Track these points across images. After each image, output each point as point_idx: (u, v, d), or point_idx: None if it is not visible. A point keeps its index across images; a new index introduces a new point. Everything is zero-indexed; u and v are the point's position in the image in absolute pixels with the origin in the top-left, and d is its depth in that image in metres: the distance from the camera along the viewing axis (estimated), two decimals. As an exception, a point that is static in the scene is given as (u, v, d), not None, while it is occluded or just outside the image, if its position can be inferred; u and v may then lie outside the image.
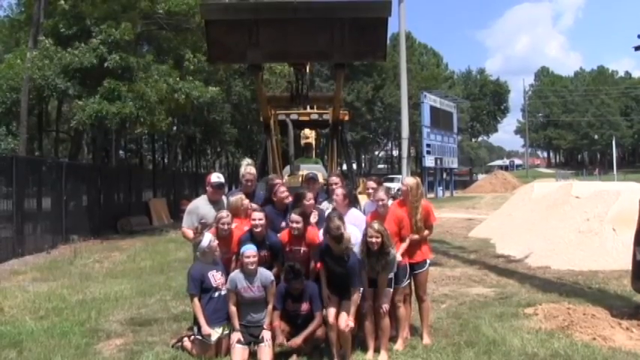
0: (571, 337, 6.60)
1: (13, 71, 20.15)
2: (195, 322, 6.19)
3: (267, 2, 8.04)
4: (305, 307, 6.07)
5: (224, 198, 7.06)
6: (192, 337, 6.23)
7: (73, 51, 18.76)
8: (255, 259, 6.02)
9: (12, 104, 21.56)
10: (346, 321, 5.91)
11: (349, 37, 7.64)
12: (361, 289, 6.04)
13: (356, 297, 5.98)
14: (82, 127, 21.38)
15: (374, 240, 5.93)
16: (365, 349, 6.24)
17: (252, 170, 7.45)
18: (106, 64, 18.73)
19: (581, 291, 9.10)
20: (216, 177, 7.07)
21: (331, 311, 6.04)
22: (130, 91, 18.92)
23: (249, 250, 6.01)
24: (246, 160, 8.12)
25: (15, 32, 25.66)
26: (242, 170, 7.44)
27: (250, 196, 7.10)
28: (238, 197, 6.81)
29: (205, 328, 5.89)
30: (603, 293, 8.92)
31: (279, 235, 6.52)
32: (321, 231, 6.31)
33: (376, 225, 6.02)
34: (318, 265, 6.22)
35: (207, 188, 7.05)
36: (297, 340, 5.98)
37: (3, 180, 14.80)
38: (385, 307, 6.20)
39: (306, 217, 6.40)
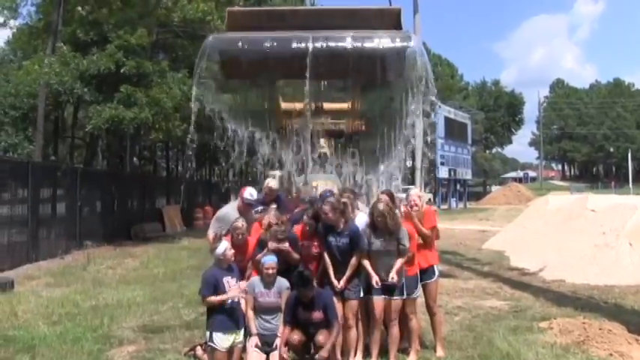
0: (587, 352, 6.50)
1: (30, 77, 20.37)
2: (208, 329, 6.19)
3: (283, 50, 8.13)
4: (317, 315, 6.04)
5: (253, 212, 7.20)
6: (205, 345, 6.22)
7: (91, 57, 18.96)
8: (274, 270, 6.15)
9: (29, 110, 21.79)
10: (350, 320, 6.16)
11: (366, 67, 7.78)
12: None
13: (354, 261, 6.22)
14: (97, 132, 21.55)
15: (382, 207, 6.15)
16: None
17: (272, 184, 7.65)
18: (122, 70, 18.89)
19: (597, 305, 9.00)
20: (249, 194, 7.13)
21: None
22: (147, 97, 19.06)
23: (270, 262, 6.14)
24: (270, 176, 8.22)
25: (33, 39, 25.95)
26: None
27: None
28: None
29: (232, 294, 5.90)
30: (619, 308, 8.82)
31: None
32: None
33: (381, 205, 6.16)
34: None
35: (239, 201, 7.17)
36: (324, 354, 5.89)
37: (19, 185, 14.93)
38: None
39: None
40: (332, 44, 8.00)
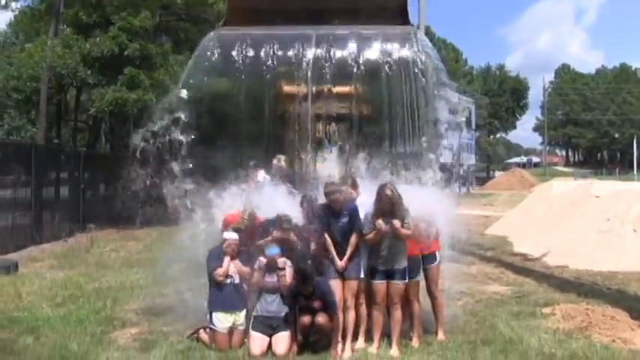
0: (590, 338, 6.50)
1: (33, 60, 20.29)
2: (209, 309, 6.26)
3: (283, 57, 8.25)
4: (317, 304, 6.06)
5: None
6: (207, 328, 6.26)
7: (94, 39, 18.90)
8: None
9: (32, 93, 21.73)
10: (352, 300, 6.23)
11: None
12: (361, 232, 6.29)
13: (354, 240, 6.26)
14: (100, 115, 21.51)
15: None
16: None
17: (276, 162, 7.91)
18: (125, 53, 18.83)
19: (600, 292, 8.98)
20: (262, 177, 7.47)
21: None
22: (150, 79, 19.02)
23: (273, 255, 6.23)
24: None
25: (35, 22, 25.78)
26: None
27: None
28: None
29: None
30: (623, 294, 8.80)
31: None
32: None
33: (388, 191, 6.12)
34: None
35: (251, 183, 7.32)
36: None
37: (22, 168, 14.92)
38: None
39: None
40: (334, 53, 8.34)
